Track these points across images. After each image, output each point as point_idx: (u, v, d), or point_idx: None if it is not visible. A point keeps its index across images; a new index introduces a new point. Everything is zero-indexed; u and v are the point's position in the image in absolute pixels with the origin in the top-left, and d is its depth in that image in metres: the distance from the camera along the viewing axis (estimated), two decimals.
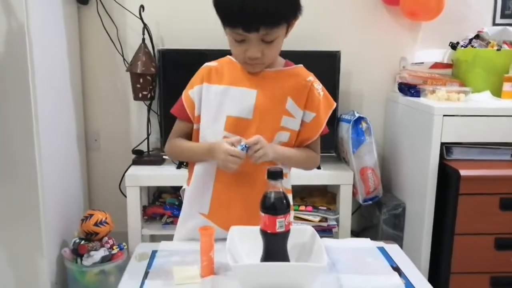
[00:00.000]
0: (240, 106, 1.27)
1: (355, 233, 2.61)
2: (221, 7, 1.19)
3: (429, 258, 2.10)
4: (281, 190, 1.07)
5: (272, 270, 1.03)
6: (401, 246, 2.30)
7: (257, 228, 1.10)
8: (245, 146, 1.20)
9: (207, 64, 1.34)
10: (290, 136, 1.31)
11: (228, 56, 1.34)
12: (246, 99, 1.27)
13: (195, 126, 1.34)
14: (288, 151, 1.30)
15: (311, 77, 1.32)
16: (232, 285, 1.05)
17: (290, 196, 1.36)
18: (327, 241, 1.32)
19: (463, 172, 1.92)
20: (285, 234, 1.08)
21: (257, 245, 1.09)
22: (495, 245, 1.98)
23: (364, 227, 2.60)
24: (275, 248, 1.08)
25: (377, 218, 2.35)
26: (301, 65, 1.34)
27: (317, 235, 1.15)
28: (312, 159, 1.37)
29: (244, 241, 1.15)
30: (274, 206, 1.06)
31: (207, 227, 1.15)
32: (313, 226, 2.23)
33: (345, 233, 2.32)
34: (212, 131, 1.30)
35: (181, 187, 1.45)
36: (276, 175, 1.07)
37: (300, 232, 1.17)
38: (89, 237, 2.14)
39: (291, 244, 1.10)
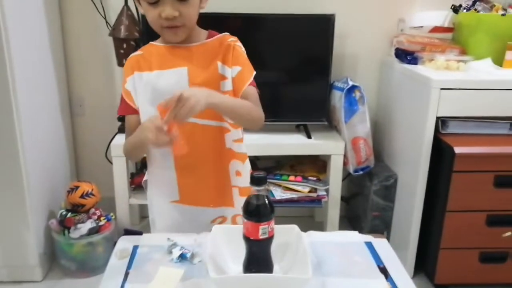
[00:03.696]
0: (175, 87, 1.21)
1: (345, 199, 2.59)
2: None
3: (419, 232, 2.09)
4: (264, 195, 1.02)
5: (255, 281, 0.99)
6: (391, 217, 2.32)
7: (241, 227, 1.06)
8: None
9: (132, 54, 1.33)
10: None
11: (150, 42, 1.33)
12: (179, 78, 1.25)
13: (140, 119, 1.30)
14: (228, 98, 1.26)
15: (234, 38, 1.31)
16: None
17: (247, 163, 1.39)
18: (314, 235, 1.28)
19: (457, 150, 1.86)
20: (268, 240, 1.04)
21: (242, 245, 1.05)
22: (486, 221, 1.96)
23: (354, 193, 2.59)
24: (258, 254, 1.05)
25: (368, 188, 2.32)
26: (226, 33, 1.32)
27: (303, 236, 1.12)
28: (251, 107, 1.27)
29: (228, 242, 1.11)
30: (258, 213, 1.01)
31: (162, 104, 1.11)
32: (302, 197, 2.26)
33: (335, 203, 2.30)
34: (153, 112, 1.26)
35: None
36: (260, 181, 1.01)
37: (286, 231, 1.13)
38: (76, 208, 2.11)
39: (276, 243, 1.07)
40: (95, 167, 2.49)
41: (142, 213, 2.50)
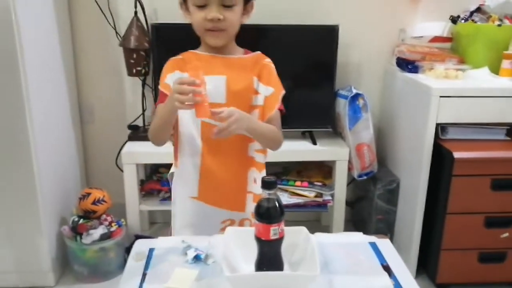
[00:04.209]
0: (213, 93, 1.30)
1: (350, 203, 2.65)
2: None
3: (421, 234, 2.15)
4: (275, 198, 1.08)
5: (267, 279, 1.05)
6: (394, 220, 2.38)
7: (252, 230, 1.12)
8: None
9: (172, 58, 1.41)
10: (259, 112, 1.39)
11: (189, 50, 1.41)
12: (217, 85, 1.33)
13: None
14: (261, 124, 1.37)
15: (269, 59, 1.42)
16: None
17: (263, 172, 1.46)
18: (321, 236, 1.34)
19: (456, 155, 1.93)
20: (279, 241, 1.10)
21: (253, 246, 1.11)
22: (485, 223, 2.02)
23: (358, 197, 2.65)
24: (269, 254, 1.11)
25: (372, 192, 2.38)
26: (259, 52, 1.43)
27: (311, 237, 1.17)
28: (276, 132, 1.40)
29: (240, 244, 1.17)
30: (268, 215, 1.07)
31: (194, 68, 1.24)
32: (308, 202, 2.32)
33: (340, 208, 2.36)
34: (190, 116, 1.36)
35: None
36: (270, 185, 1.08)
37: (295, 232, 1.19)
38: (87, 215, 2.17)
39: (285, 244, 1.13)
40: (105, 174, 2.54)
41: (152, 219, 2.54)
